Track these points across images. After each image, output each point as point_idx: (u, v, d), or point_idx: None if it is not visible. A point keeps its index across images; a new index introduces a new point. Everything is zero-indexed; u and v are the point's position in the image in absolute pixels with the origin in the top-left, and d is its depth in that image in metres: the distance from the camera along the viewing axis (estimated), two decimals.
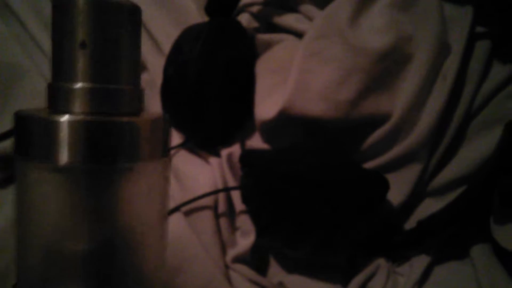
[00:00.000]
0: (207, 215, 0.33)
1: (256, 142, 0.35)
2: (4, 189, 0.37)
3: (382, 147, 0.32)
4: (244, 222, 0.33)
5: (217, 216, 0.33)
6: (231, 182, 0.34)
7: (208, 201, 0.33)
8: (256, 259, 0.33)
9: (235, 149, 0.35)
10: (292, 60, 0.32)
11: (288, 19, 0.35)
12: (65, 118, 0.14)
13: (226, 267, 0.32)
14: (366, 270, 0.32)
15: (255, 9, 0.36)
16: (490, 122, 0.32)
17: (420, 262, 0.31)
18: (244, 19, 0.36)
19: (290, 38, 0.35)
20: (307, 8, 0.34)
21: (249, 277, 0.31)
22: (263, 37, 0.35)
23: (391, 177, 0.30)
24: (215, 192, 0.33)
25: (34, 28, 0.41)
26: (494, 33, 0.32)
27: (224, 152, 0.35)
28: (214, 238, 0.32)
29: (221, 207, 0.33)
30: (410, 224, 0.33)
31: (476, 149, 0.32)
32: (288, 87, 0.31)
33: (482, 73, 0.32)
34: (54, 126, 0.14)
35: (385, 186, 0.30)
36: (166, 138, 0.17)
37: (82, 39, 0.15)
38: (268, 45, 0.35)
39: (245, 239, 0.33)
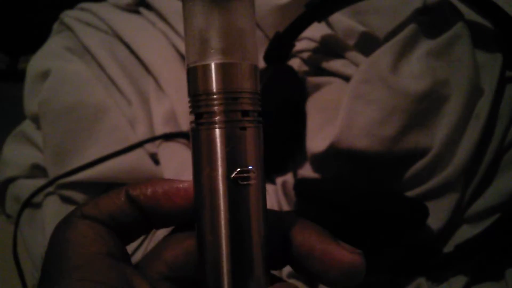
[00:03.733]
0: None
1: (307, 171, 0.40)
2: None
3: (422, 178, 0.36)
4: None
5: None
6: (285, 207, 0.39)
7: None
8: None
9: (289, 178, 0.40)
10: (339, 101, 0.37)
11: (335, 64, 0.40)
12: None
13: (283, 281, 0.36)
14: None
15: (305, 55, 0.41)
16: None
17: (458, 282, 0.34)
18: (296, 64, 0.42)
19: (337, 81, 0.40)
20: (353, 54, 0.39)
21: None
22: (313, 80, 0.40)
23: (430, 205, 0.34)
24: None
25: (112, 70, 0.48)
26: None
27: (279, 180, 0.39)
28: None
29: None
30: (448, 248, 0.36)
31: (509, 180, 0.35)
32: (337, 124, 0.36)
33: None
34: None
35: (425, 213, 0.33)
36: None
37: None
38: (317, 87, 0.40)
39: None
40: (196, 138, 0.16)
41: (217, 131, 0.16)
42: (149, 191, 0.18)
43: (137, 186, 0.18)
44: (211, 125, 0.16)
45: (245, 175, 0.16)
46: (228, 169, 0.16)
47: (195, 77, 0.16)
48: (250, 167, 0.16)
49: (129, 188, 0.18)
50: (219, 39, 0.16)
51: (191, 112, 0.16)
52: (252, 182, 0.16)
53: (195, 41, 0.16)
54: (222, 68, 0.16)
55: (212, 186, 0.16)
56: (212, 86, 0.16)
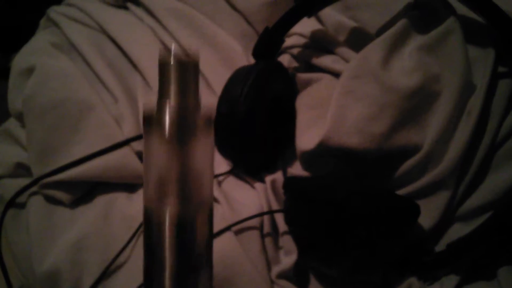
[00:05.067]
0: (254, 234, 0.36)
1: (296, 169, 0.39)
2: (74, 209, 0.42)
3: (413, 176, 0.35)
4: (287, 242, 0.36)
5: (262, 235, 0.37)
6: (275, 205, 0.38)
7: (254, 222, 0.37)
8: (298, 276, 0.36)
9: (278, 176, 0.39)
10: (329, 97, 0.36)
11: (325, 60, 0.39)
12: None
13: (271, 282, 0.35)
14: None
15: (295, 51, 0.41)
16: None
17: (450, 281, 0.34)
18: (285, 60, 0.41)
19: (327, 77, 0.39)
20: (343, 50, 0.38)
21: None
22: (303, 76, 0.40)
23: (421, 203, 0.33)
24: (261, 214, 0.37)
25: (98, 67, 0.47)
26: None
27: (268, 178, 0.39)
28: (260, 255, 0.36)
29: (266, 228, 0.37)
30: (440, 246, 0.35)
31: (501, 177, 0.34)
32: (326, 121, 0.35)
33: (505, 108, 0.35)
34: None
35: (416, 212, 0.33)
36: None
37: None
38: (307, 83, 0.40)
39: (288, 257, 0.36)
40: None
41: None
42: None
43: None
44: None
45: None
46: None
47: (150, 223, 0.16)
48: None
49: None
50: (176, 184, 0.16)
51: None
52: None
53: (153, 182, 0.17)
54: (177, 219, 0.16)
55: None
56: (164, 239, 0.16)
